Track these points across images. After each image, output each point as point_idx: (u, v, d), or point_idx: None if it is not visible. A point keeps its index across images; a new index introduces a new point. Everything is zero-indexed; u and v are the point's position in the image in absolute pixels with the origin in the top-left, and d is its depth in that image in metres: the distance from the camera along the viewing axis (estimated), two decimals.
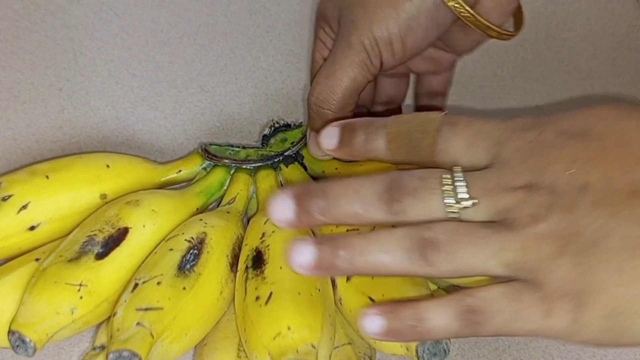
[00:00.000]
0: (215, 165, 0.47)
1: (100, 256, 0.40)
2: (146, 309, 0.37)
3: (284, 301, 0.37)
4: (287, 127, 0.49)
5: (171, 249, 0.40)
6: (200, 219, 0.43)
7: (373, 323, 0.33)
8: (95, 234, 0.40)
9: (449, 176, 0.33)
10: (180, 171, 0.47)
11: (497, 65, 0.57)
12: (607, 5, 0.61)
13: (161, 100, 0.54)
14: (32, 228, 0.42)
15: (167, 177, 0.47)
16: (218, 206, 0.46)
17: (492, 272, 0.32)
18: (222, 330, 0.41)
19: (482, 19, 0.42)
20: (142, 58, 0.56)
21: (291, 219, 0.34)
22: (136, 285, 0.39)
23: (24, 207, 0.42)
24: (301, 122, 0.50)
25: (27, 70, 0.54)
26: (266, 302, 0.37)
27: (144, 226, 0.41)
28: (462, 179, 0.33)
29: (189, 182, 0.48)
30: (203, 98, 0.54)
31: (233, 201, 0.45)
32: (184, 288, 0.38)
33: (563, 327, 0.32)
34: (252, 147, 0.48)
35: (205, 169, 0.47)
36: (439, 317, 0.33)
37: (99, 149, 0.51)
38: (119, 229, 0.41)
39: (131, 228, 0.41)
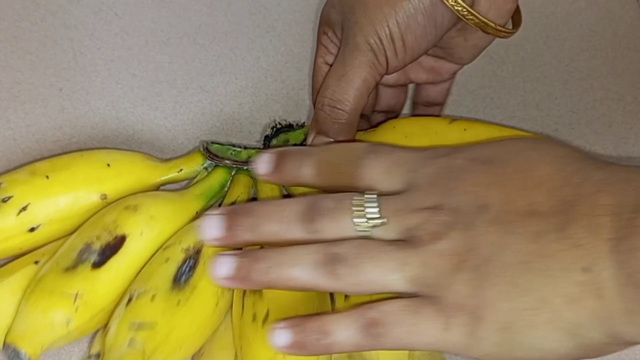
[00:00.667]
0: (216, 166, 0.47)
1: (96, 265, 0.39)
2: (139, 326, 0.37)
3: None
4: (290, 127, 0.49)
5: (167, 259, 0.40)
6: (199, 226, 0.42)
7: (280, 337, 0.35)
8: (92, 242, 0.40)
9: (361, 198, 0.36)
10: (181, 170, 0.47)
11: (497, 65, 0.57)
12: (607, 5, 0.61)
13: (161, 100, 0.54)
14: (32, 229, 0.42)
15: (168, 176, 0.46)
16: (219, 207, 0.46)
17: (395, 287, 0.34)
18: (219, 341, 0.41)
19: (478, 15, 0.42)
20: (142, 58, 0.56)
21: (220, 235, 0.37)
22: (130, 298, 0.38)
23: (24, 208, 0.42)
24: (303, 123, 0.50)
25: (27, 70, 0.54)
26: (263, 322, 0.37)
27: (141, 233, 0.41)
28: (372, 200, 0.36)
29: (190, 180, 0.48)
30: (203, 98, 0.54)
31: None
32: (179, 302, 0.38)
33: (460, 340, 0.33)
34: (253, 148, 0.48)
35: (206, 168, 0.47)
36: (343, 329, 0.34)
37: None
38: (116, 236, 0.40)
39: (128, 235, 0.40)
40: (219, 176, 0.47)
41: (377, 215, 0.35)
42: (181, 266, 0.39)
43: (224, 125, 0.53)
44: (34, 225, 0.42)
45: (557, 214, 0.33)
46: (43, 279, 0.39)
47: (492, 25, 0.43)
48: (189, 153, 0.48)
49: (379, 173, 0.37)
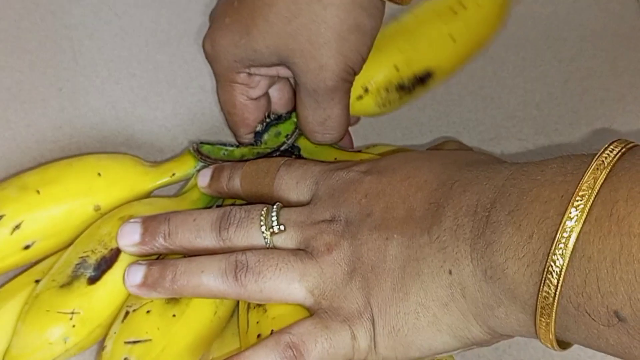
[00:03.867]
0: None
1: (92, 280, 0.39)
2: (134, 343, 0.37)
3: None
4: (279, 119, 0.48)
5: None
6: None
7: None
8: (87, 256, 0.40)
9: (267, 209, 0.38)
10: (174, 174, 0.45)
11: (497, 65, 0.57)
12: (607, 5, 0.61)
13: (161, 100, 0.54)
14: (27, 247, 0.42)
15: (161, 181, 0.45)
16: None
17: (296, 296, 0.36)
18: (227, 347, 0.40)
19: None
20: (142, 58, 0.56)
21: (137, 241, 0.39)
22: (127, 313, 0.38)
23: (17, 227, 0.41)
24: (292, 112, 0.48)
25: (27, 70, 0.54)
26: None
27: None
28: (275, 211, 0.38)
29: (184, 182, 0.47)
30: (203, 98, 0.54)
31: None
32: (174, 315, 0.38)
33: (366, 346, 0.35)
34: (246, 146, 0.47)
35: (199, 171, 0.46)
36: None
37: (99, 149, 0.51)
38: (111, 249, 0.40)
39: None
40: None
41: (277, 225, 0.38)
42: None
43: (224, 125, 0.53)
44: (29, 243, 0.42)
45: (427, 218, 0.34)
46: (39, 297, 0.39)
47: None
48: (179, 155, 0.47)
49: (289, 185, 0.40)
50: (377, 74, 0.46)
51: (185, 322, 0.38)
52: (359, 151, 0.47)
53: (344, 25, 0.41)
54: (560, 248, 0.29)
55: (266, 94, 0.47)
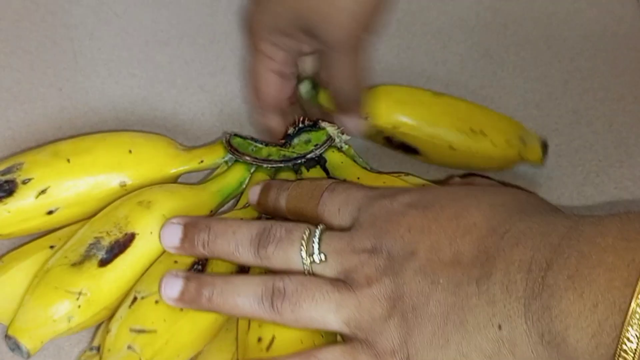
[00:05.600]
0: (236, 160, 0.46)
1: (103, 263, 0.39)
2: (139, 331, 0.37)
3: (285, 350, 0.37)
4: (312, 126, 0.48)
5: (176, 262, 0.40)
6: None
7: None
8: (102, 237, 0.40)
9: (309, 233, 0.38)
10: (202, 161, 0.46)
11: (497, 65, 0.57)
12: (607, 5, 0.61)
13: (161, 100, 0.54)
14: (50, 212, 0.42)
15: (189, 167, 0.46)
16: (235, 205, 0.46)
17: (332, 326, 0.36)
18: (219, 342, 0.40)
19: None
20: (142, 58, 0.56)
21: (177, 245, 0.39)
22: (135, 299, 0.38)
23: (43, 191, 0.42)
24: (325, 122, 0.48)
25: (27, 70, 0.54)
26: (267, 348, 0.37)
27: (151, 233, 0.40)
28: (317, 236, 0.37)
29: (211, 170, 0.47)
30: (203, 98, 0.54)
31: (248, 205, 0.44)
32: (182, 309, 0.38)
33: None
34: (274, 145, 0.47)
35: (226, 162, 0.46)
36: None
37: None
38: (125, 234, 0.40)
39: (138, 234, 0.40)
40: (237, 173, 0.46)
41: (318, 252, 0.37)
42: (189, 270, 0.39)
43: (224, 125, 0.53)
44: (53, 208, 0.42)
45: (477, 266, 0.34)
46: (50, 272, 0.39)
47: None
48: (211, 143, 0.48)
49: (332, 211, 0.39)
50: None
51: (191, 318, 0.38)
52: (383, 173, 0.46)
53: None
54: (634, 324, 0.28)
55: (291, 80, 0.49)
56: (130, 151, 0.44)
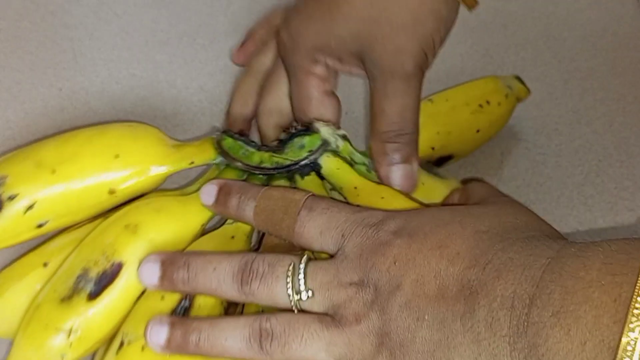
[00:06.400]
0: (227, 165, 0.44)
1: (92, 296, 0.38)
2: None
3: None
4: (306, 131, 0.44)
5: (163, 297, 0.39)
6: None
7: None
8: (90, 267, 0.39)
9: (292, 268, 0.37)
10: (192, 163, 0.44)
11: (497, 65, 0.57)
12: (607, 5, 0.61)
13: (161, 100, 0.54)
14: (40, 225, 0.42)
15: (179, 168, 0.44)
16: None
17: None
18: None
19: None
20: (142, 58, 0.56)
21: (156, 284, 0.38)
22: (122, 344, 0.38)
23: (30, 207, 0.41)
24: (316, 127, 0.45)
25: (27, 70, 0.54)
26: None
27: (139, 261, 0.39)
28: (302, 270, 0.36)
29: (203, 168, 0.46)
30: (203, 98, 0.54)
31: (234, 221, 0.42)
32: (169, 354, 0.37)
33: None
34: (267, 150, 0.44)
35: (218, 165, 0.44)
36: None
37: None
38: (113, 263, 0.39)
39: (125, 263, 0.39)
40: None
41: (304, 288, 0.36)
42: (175, 308, 0.38)
43: (224, 125, 0.53)
44: (42, 222, 0.42)
45: (460, 301, 0.33)
46: (40, 308, 0.38)
47: None
48: (202, 140, 0.45)
49: (312, 235, 0.38)
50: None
51: None
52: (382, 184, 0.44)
53: (422, 7, 0.41)
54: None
55: (335, 95, 0.46)
56: (117, 156, 0.42)
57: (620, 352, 0.28)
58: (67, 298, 0.38)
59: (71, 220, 0.42)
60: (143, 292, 0.40)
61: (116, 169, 0.42)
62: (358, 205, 0.40)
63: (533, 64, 0.57)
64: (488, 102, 0.51)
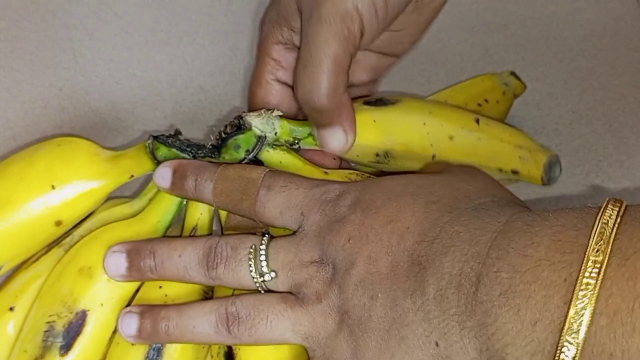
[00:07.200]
0: None
1: (64, 350, 0.38)
2: None
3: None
4: (237, 130, 0.42)
5: (133, 344, 0.38)
6: (160, 287, 0.39)
7: None
8: (54, 321, 0.38)
9: (255, 250, 0.37)
10: (132, 176, 0.42)
11: (497, 65, 0.57)
12: (607, 5, 0.61)
13: (161, 100, 0.54)
14: None
15: (119, 183, 0.42)
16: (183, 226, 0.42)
17: (291, 341, 0.36)
18: None
19: None
20: (142, 58, 0.56)
21: (124, 274, 0.39)
22: None
23: None
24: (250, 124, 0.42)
25: (27, 70, 0.54)
26: None
27: (102, 304, 0.39)
28: (264, 251, 0.37)
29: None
30: (203, 98, 0.54)
31: (194, 232, 0.42)
32: None
33: None
34: (203, 156, 0.42)
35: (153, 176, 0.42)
36: None
37: None
38: (76, 313, 0.38)
39: (89, 311, 0.39)
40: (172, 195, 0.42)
41: (267, 270, 0.37)
42: (148, 353, 0.38)
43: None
44: None
45: (410, 279, 0.33)
46: None
47: None
48: (136, 150, 0.43)
49: (273, 214, 0.38)
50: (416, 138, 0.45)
51: None
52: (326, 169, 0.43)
53: None
54: (570, 342, 0.28)
55: (290, 89, 0.44)
56: (53, 186, 0.40)
57: (565, 331, 0.28)
58: (40, 357, 0.38)
59: (26, 256, 0.42)
60: (114, 332, 0.39)
61: (56, 200, 0.41)
62: (314, 179, 0.39)
63: (533, 64, 0.57)
64: (486, 101, 0.51)
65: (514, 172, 0.44)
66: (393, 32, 0.44)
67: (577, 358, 0.28)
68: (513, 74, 0.53)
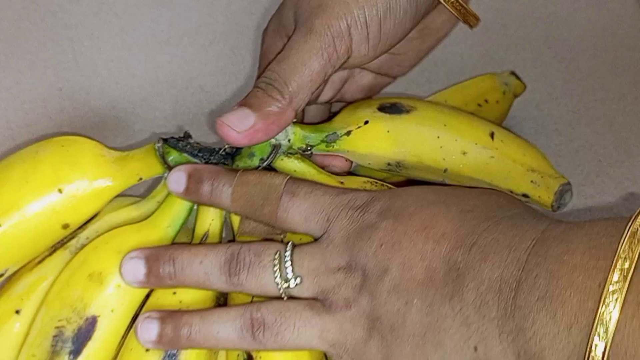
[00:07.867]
0: None
1: (74, 355, 0.38)
2: None
3: None
4: (237, 152, 0.42)
5: (147, 350, 0.38)
6: (174, 293, 0.39)
7: None
8: (63, 326, 0.38)
9: (279, 256, 0.37)
10: (140, 179, 0.41)
11: (497, 65, 0.57)
12: (607, 5, 0.61)
13: (161, 100, 0.54)
14: (1, 275, 0.41)
15: (127, 185, 0.41)
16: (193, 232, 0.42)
17: (318, 347, 0.36)
18: None
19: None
20: (142, 58, 0.56)
21: (142, 280, 0.38)
22: None
23: None
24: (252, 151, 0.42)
25: (27, 70, 0.54)
26: None
27: (112, 310, 0.38)
28: (289, 258, 0.36)
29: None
30: (203, 98, 0.54)
31: (206, 239, 0.41)
32: None
33: None
34: (216, 162, 0.41)
35: (166, 179, 0.41)
36: None
37: None
38: (86, 319, 0.38)
39: (99, 317, 0.38)
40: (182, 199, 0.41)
41: (292, 275, 0.36)
42: (164, 358, 0.38)
43: None
44: (2, 272, 0.40)
45: (448, 284, 0.33)
46: None
47: (470, 11, 0.43)
48: (144, 152, 0.42)
49: (297, 220, 0.38)
50: (425, 149, 0.44)
51: None
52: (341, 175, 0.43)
53: None
54: (599, 343, 0.29)
55: None
56: (59, 190, 0.39)
57: (592, 331, 0.29)
58: None
59: (30, 259, 0.41)
60: (124, 337, 0.39)
61: (63, 205, 0.40)
62: (340, 187, 0.39)
63: (533, 64, 0.57)
64: (486, 101, 0.51)
65: (524, 195, 0.44)
66: (393, 55, 0.45)
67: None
68: (513, 74, 0.53)
